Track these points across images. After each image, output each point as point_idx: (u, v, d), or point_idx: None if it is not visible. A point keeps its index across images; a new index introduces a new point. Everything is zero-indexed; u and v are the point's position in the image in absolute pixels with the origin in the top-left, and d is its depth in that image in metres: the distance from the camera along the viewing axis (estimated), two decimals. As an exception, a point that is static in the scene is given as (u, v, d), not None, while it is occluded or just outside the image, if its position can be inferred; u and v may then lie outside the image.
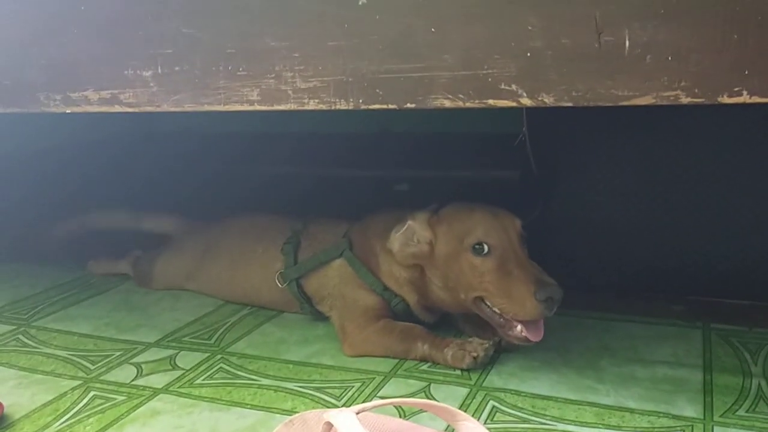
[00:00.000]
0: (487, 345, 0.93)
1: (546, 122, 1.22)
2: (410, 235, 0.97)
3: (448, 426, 0.76)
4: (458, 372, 0.93)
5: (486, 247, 0.91)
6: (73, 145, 1.76)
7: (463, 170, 1.78)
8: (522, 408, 0.84)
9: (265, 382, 0.93)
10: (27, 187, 1.62)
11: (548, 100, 0.65)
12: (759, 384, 0.88)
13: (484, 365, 0.94)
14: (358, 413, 0.68)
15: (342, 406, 0.85)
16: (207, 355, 1.01)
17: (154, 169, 1.93)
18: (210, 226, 1.31)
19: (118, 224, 1.42)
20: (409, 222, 0.97)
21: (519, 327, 0.90)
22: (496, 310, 0.91)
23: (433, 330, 1.05)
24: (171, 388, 0.91)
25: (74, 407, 0.87)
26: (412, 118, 1.81)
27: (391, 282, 1.02)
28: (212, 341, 1.07)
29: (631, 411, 0.83)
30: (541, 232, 1.21)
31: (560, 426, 0.80)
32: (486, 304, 0.92)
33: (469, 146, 1.75)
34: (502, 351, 0.99)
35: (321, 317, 1.12)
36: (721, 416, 0.81)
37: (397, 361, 0.98)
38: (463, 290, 0.94)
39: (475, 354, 0.92)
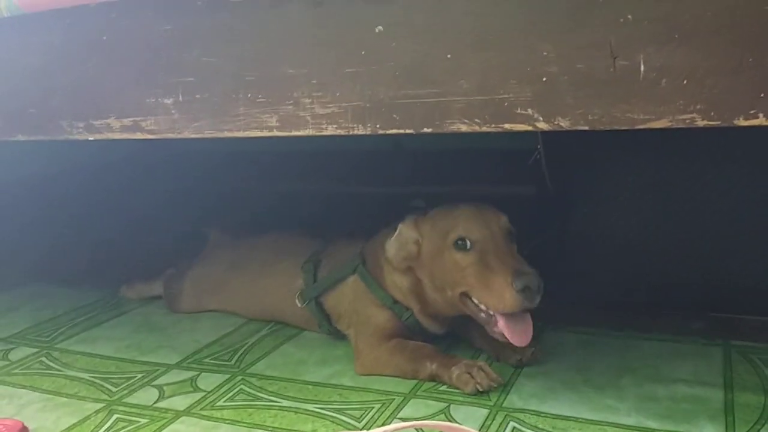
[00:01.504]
0: (494, 383, 0.92)
1: (561, 140, 1.22)
2: (403, 239, 0.99)
3: (469, 448, 0.76)
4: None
5: (468, 242, 0.94)
6: (89, 167, 1.79)
7: (478, 186, 1.79)
8: (542, 429, 0.84)
9: (285, 403, 0.93)
10: (45, 208, 1.64)
11: (564, 124, 0.66)
12: (781, 403, 0.88)
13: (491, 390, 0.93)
14: (379, 436, 0.69)
15: (362, 427, 0.86)
16: (227, 376, 1.02)
17: (172, 188, 1.96)
18: (238, 242, 1.33)
19: None
20: (400, 226, 1.00)
21: (501, 323, 0.90)
22: (482, 306, 0.93)
23: (452, 349, 1.06)
24: (193, 411, 0.92)
25: (98, 430, 0.88)
26: (426, 135, 1.82)
27: (396, 293, 1.04)
28: (232, 362, 1.07)
29: (652, 431, 0.82)
30: (558, 250, 1.22)
31: (581, 447, 0.80)
32: (471, 300, 0.94)
33: (485, 162, 1.75)
34: (522, 367, 1.00)
35: (339, 336, 1.13)
36: (743, 435, 0.81)
37: (416, 382, 0.98)
38: (449, 287, 0.96)
39: (480, 388, 0.92)
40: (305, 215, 1.63)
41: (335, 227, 1.25)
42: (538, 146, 1.25)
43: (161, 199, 1.90)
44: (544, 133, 1.23)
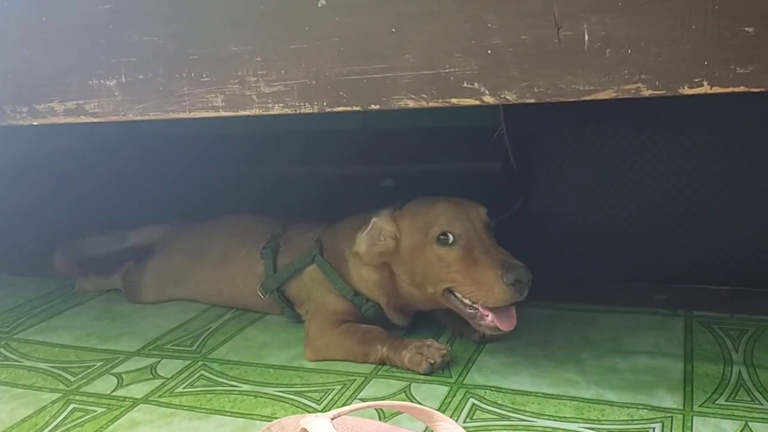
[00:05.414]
0: (444, 351, 0.92)
1: (525, 116, 1.21)
2: (376, 233, 0.96)
3: (427, 428, 0.75)
4: (438, 370, 0.93)
5: (451, 237, 0.91)
6: (74, 151, 1.74)
7: (447, 163, 1.78)
8: (502, 405, 0.84)
9: (245, 388, 0.92)
10: (32, 193, 1.60)
11: (510, 97, 0.65)
12: (739, 371, 0.88)
13: (443, 368, 0.93)
14: (333, 418, 0.68)
15: (322, 409, 0.85)
16: (188, 362, 1.01)
17: (154, 176, 1.93)
18: (195, 230, 1.30)
19: (106, 247, 1.42)
20: (374, 220, 0.96)
21: (489, 317, 0.88)
22: (466, 301, 0.90)
23: (416, 326, 1.05)
24: (151, 398, 0.91)
25: (53, 421, 0.87)
26: (394, 114, 1.81)
27: (361, 286, 1.01)
28: (194, 348, 1.06)
29: (611, 404, 0.82)
30: (521, 225, 1.21)
31: (539, 422, 0.80)
32: (455, 296, 0.91)
33: (452, 139, 1.74)
34: (485, 343, 0.99)
35: (303, 320, 1.11)
36: (700, 406, 0.81)
37: (378, 361, 0.97)
38: (431, 283, 0.93)
39: (432, 360, 0.91)
40: (275, 197, 1.61)
41: (305, 209, 1.23)
42: (501, 123, 1.24)
43: (144, 187, 1.87)
44: (506, 109, 1.23)
